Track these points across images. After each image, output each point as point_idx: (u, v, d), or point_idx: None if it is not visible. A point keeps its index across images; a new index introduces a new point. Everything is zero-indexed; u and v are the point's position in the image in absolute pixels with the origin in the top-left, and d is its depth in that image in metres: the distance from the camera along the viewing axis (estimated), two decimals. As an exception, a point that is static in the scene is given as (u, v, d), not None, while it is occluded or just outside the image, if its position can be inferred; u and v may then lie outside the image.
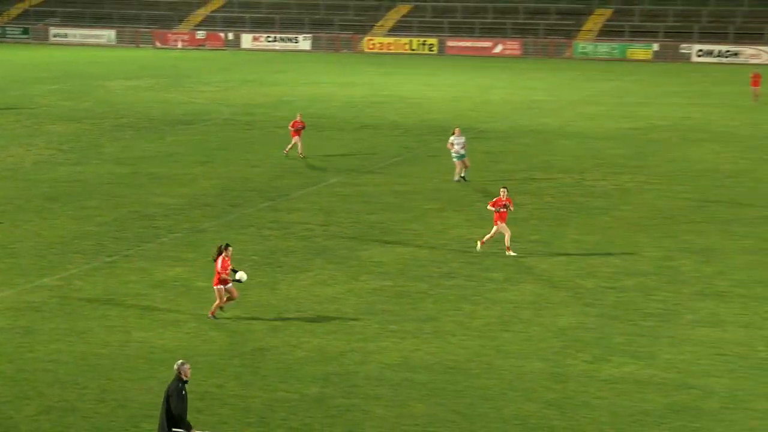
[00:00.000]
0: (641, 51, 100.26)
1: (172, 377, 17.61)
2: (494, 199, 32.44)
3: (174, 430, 17.31)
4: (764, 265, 30.96)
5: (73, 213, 37.07)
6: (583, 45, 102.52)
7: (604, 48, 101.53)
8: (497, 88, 76.61)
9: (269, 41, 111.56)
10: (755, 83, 67.16)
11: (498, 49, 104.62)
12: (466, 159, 43.15)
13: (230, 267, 25.71)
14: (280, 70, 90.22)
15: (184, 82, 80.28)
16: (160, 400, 17.70)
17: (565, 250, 32.59)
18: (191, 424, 17.57)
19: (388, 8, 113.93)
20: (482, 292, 28.41)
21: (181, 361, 17.78)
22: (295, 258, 31.59)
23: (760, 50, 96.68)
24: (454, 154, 42.97)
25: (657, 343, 24.52)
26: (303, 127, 47.92)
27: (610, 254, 32.15)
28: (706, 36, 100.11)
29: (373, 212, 37.53)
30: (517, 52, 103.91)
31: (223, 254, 25.56)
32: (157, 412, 17.89)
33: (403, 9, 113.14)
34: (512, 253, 31.64)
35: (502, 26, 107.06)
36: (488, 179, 43.00)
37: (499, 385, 22.08)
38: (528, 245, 33.12)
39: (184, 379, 17.56)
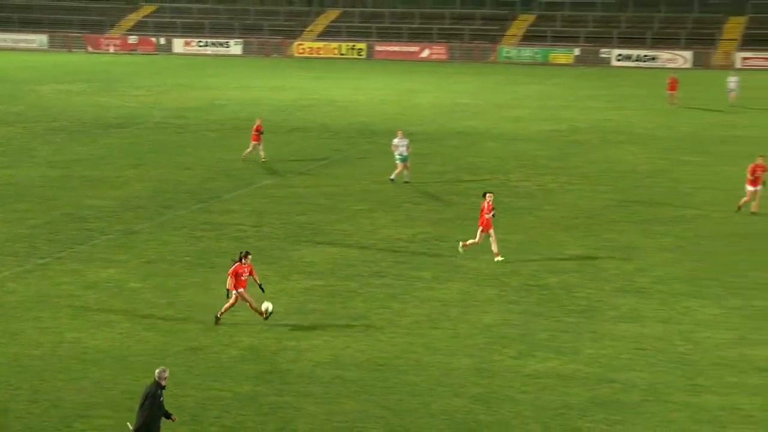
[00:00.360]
0: (563, 55, 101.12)
1: (151, 381, 17.64)
2: (483, 205, 31.16)
3: None
4: (681, 263, 31.36)
5: (5, 216, 36.56)
6: (507, 50, 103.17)
7: (527, 52, 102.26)
8: (424, 92, 76.83)
9: (201, 46, 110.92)
10: (672, 88, 67.95)
11: (425, 53, 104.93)
12: (408, 162, 43.18)
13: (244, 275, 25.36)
14: (211, 74, 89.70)
15: (116, 86, 79.53)
16: (94, 400, 17.53)
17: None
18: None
19: (318, 13, 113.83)
20: (411, 290, 28.47)
21: (162, 367, 17.72)
22: (227, 258, 31.28)
23: (677, 55, 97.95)
24: (397, 156, 42.99)
25: (579, 339, 24.73)
26: (261, 132, 47.41)
27: (533, 253, 32.36)
28: (625, 41, 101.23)
29: (304, 213, 37.45)
30: (444, 57, 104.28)
31: (243, 261, 25.24)
32: (91, 411, 17.71)
33: (332, 14, 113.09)
34: (500, 258, 31.05)
35: (428, 31, 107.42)
36: (417, 181, 43.08)
37: (427, 381, 22.14)
38: (455, 245, 33.23)
39: (163, 384, 17.47)
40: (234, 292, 25.18)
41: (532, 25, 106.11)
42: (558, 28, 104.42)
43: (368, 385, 21.88)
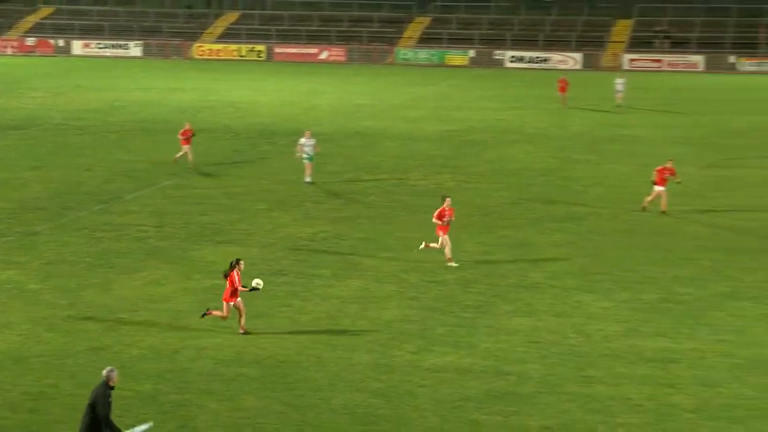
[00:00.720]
0: (458, 57, 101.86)
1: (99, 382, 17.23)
2: (439, 210, 30.74)
3: None
4: (574, 258, 31.81)
5: None
6: (405, 51, 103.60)
7: (423, 54, 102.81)
8: (323, 93, 76.79)
9: (100, 48, 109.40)
10: (562, 89, 68.83)
11: (324, 55, 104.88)
12: (312, 162, 43.01)
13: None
14: (111, 75, 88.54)
15: (14, 87, 78.04)
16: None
17: (389, 247, 32.87)
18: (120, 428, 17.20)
19: (217, 16, 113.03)
20: (311, 288, 28.44)
21: (110, 367, 17.36)
22: (128, 259, 31.05)
23: (568, 56, 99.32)
24: (304, 156, 42.84)
25: (476, 333, 24.94)
26: (192, 135, 46.57)
27: (431, 250, 32.49)
28: (518, 43, 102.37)
29: (205, 213, 37.16)
30: (342, 59, 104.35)
31: (236, 269, 24.65)
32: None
33: (232, 17, 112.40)
34: (454, 264, 30.61)
35: (327, 33, 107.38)
36: (317, 180, 43.02)
37: (327, 377, 22.15)
38: (354, 243, 33.30)
39: (111, 385, 17.14)
40: (226, 303, 24.54)
41: (428, 28, 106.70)
42: (453, 31, 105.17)
43: (269, 381, 21.80)
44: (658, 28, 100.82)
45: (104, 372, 17.19)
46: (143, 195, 40.15)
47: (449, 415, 20.37)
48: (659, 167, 37.90)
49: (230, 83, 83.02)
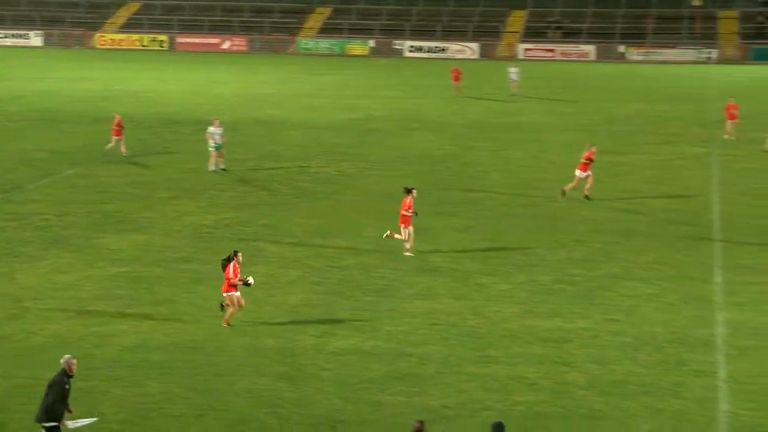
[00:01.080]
0: (359, 47, 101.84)
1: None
2: (407, 202, 30.16)
3: (46, 425, 16.59)
4: (471, 242, 32.06)
5: None
6: (306, 41, 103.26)
7: (325, 44, 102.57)
8: (226, 83, 76.14)
9: (0, 38, 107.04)
10: (456, 79, 68.92)
11: (226, 45, 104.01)
12: (223, 150, 42.62)
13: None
14: (11, 65, 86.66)
15: None
16: None
17: (293, 234, 32.77)
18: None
19: (119, 5, 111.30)
20: (215, 274, 28.10)
21: (68, 355, 16.99)
22: (31, 248, 30.48)
23: (465, 46, 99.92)
24: (212, 144, 42.39)
25: (378, 317, 25.00)
26: (122, 127, 45.45)
27: (334, 236, 32.53)
28: (417, 33, 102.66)
29: (108, 202, 36.63)
30: (244, 48, 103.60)
31: (234, 261, 24.15)
32: None
33: (133, 7, 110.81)
34: (410, 255, 30.19)
35: (229, 24, 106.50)
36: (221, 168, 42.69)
37: (232, 361, 22.02)
38: (258, 229, 33.14)
39: (70, 374, 16.77)
40: (235, 294, 24.09)
41: (329, 18, 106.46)
42: (354, 21, 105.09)
43: (174, 367, 21.60)
44: (551, 19, 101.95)
45: (63, 360, 16.96)
46: (45, 184, 39.43)
47: (353, 396, 20.40)
48: (586, 153, 37.92)
49: (133, 73, 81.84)
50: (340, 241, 31.89)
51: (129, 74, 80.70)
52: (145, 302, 25.76)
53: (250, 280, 24.42)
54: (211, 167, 42.28)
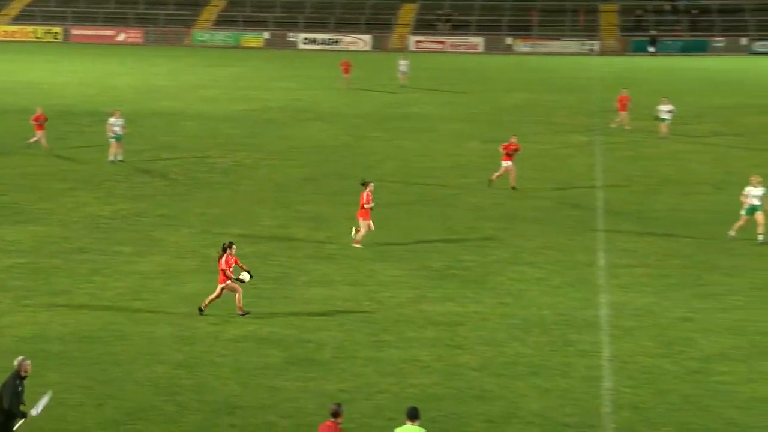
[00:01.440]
0: (253, 39, 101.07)
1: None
2: (366, 196, 29.82)
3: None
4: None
5: None
6: (201, 33, 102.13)
7: (220, 36, 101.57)
8: (122, 74, 74.93)
9: None
10: (346, 71, 68.66)
11: (121, 37, 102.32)
12: (122, 141, 41.92)
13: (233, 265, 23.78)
14: None
15: None
16: None
17: (190, 223, 32.47)
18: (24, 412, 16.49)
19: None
20: (113, 265, 27.83)
21: (21, 357, 16.45)
22: (-75, 241, 29.68)
23: (358, 38, 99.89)
24: (111, 135, 41.68)
25: (275, 304, 24.94)
26: (45, 120, 44.14)
27: (231, 225, 32.32)
28: (311, 25, 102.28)
29: (4, 193, 35.84)
30: (140, 40, 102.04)
31: (228, 252, 23.59)
32: None
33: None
34: (358, 246, 29.88)
35: (124, 16, 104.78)
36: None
37: (130, 350, 21.75)
38: (156, 219, 32.76)
39: (23, 375, 16.25)
40: (230, 282, 23.69)
41: (223, 11, 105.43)
42: (248, 14, 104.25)
43: (73, 357, 21.26)
44: (441, 12, 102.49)
45: (16, 361, 16.52)
46: (-60, 176, 38.39)
47: (250, 382, 20.32)
48: (504, 144, 38.06)
49: (27, 65, 80.00)
50: (237, 230, 31.68)
51: (23, 66, 78.88)
52: (42, 293, 25.29)
53: (245, 277, 24.01)
54: (111, 157, 41.66)
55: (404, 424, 15.47)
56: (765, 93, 65.12)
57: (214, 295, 24.04)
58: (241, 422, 18.75)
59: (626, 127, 50.32)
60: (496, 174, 37.88)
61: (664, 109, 48.31)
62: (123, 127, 41.98)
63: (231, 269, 23.80)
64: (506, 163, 37.45)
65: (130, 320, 23.55)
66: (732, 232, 30.57)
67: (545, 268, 28.18)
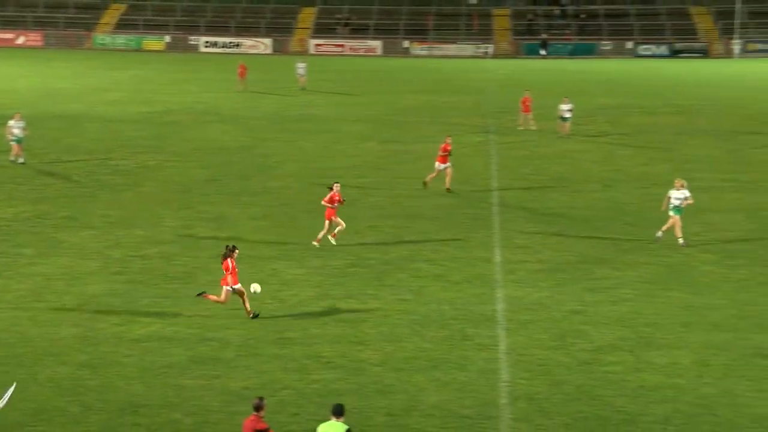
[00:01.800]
0: (155, 42, 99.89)
1: None
2: (329, 195, 29.60)
3: None
4: (268, 229, 31.96)
5: None
6: (102, 37, 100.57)
7: (121, 39, 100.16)
8: (22, 77, 73.39)
9: None
10: (241, 74, 68.03)
11: (20, 40, 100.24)
12: (22, 143, 41.04)
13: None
14: None
15: None
16: None
17: (93, 225, 31.92)
18: None
19: None
20: (14, 267, 27.23)
21: None
22: None
23: (258, 42, 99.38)
24: (11, 137, 40.86)
25: (179, 303, 24.64)
26: None
27: (134, 226, 31.86)
28: (212, 29, 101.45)
29: None
30: (40, 43, 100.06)
31: (230, 257, 23.11)
32: None
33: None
34: (334, 242, 29.66)
35: (23, 19, 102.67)
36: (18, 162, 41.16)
37: (33, 352, 21.30)
38: (59, 221, 32.14)
39: None
40: (228, 288, 23.15)
41: (124, 14, 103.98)
42: (149, 17, 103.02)
43: (-25, 360, 20.72)
44: (340, 16, 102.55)
45: None
46: None
47: (154, 381, 20.06)
48: (442, 145, 37.88)
49: (-74, 67, 77.89)
50: (141, 231, 31.26)
51: None
52: (-57, 297, 24.61)
53: (255, 288, 23.51)
54: (12, 158, 40.84)
55: (329, 419, 15.42)
56: (649, 94, 66.53)
57: (245, 302, 23.64)
58: (145, 421, 18.50)
59: (532, 128, 50.90)
60: (430, 176, 37.74)
61: (565, 108, 49.12)
62: (24, 129, 41.17)
63: (234, 276, 23.36)
64: (440, 165, 37.35)
65: (33, 322, 23.05)
66: (659, 233, 30.40)
67: (444, 264, 28.34)
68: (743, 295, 25.95)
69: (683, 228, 30.08)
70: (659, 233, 30.47)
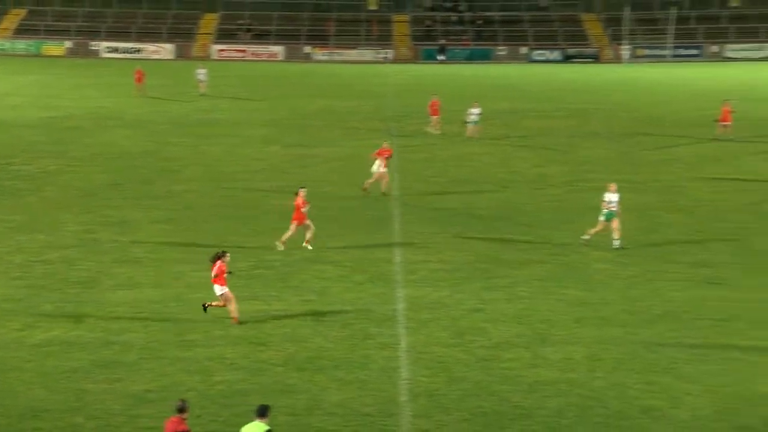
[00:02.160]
0: (55, 48, 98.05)
1: None
2: (297, 201, 29.21)
3: None
4: (171, 233, 31.62)
5: None
6: (1, 42, 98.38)
7: (21, 45, 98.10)
8: None
9: None
10: (138, 80, 66.92)
11: None
12: None
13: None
14: None
15: None
16: None
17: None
18: None
19: None
20: None
21: None
22: None
23: (160, 47, 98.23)
24: None
25: (82, 308, 24.25)
26: None
27: (36, 231, 31.26)
28: (113, 34, 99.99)
29: None
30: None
31: (220, 261, 22.67)
32: None
33: None
34: (309, 247, 29.31)
35: None
36: None
37: (-67, 359, 20.72)
38: (-44, 227, 31.36)
39: None
40: (223, 289, 22.75)
41: (24, 19, 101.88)
42: (50, 22, 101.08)
43: None
44: (242, 21, 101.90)
45: None
46: None
47: (56, 385, 19.70)
48: (378, 149, 37.64)
49: None
50: (42, 236, 30.67)
51: None
52: None
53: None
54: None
55: (253, 421, 15.34)
56: (543, 98, 67.48)
57: (231, 307, 23.28)
58: (47, 426, 18.16)
59: (435, 132, 51.19)
60: (369, 181, 37.47)
61: (474, 112, 49.87)
62: None
63: (224, 275, 23.08)
64: (380, 169, 37.08)
65: (-69, 329, 22.46)
66: (586, 236, 30.39)
67: (347, 265, 28.36)
68: (633, 291, 26.50)
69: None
70: (586, 236, 30.46)
